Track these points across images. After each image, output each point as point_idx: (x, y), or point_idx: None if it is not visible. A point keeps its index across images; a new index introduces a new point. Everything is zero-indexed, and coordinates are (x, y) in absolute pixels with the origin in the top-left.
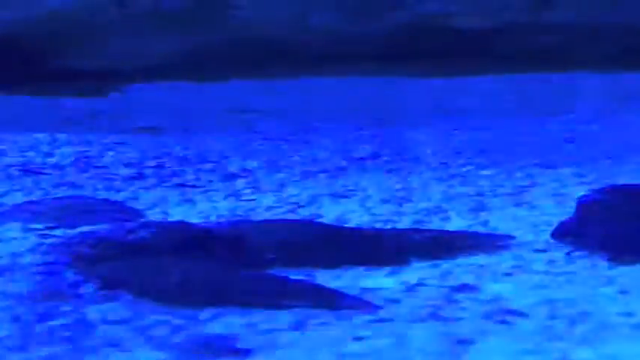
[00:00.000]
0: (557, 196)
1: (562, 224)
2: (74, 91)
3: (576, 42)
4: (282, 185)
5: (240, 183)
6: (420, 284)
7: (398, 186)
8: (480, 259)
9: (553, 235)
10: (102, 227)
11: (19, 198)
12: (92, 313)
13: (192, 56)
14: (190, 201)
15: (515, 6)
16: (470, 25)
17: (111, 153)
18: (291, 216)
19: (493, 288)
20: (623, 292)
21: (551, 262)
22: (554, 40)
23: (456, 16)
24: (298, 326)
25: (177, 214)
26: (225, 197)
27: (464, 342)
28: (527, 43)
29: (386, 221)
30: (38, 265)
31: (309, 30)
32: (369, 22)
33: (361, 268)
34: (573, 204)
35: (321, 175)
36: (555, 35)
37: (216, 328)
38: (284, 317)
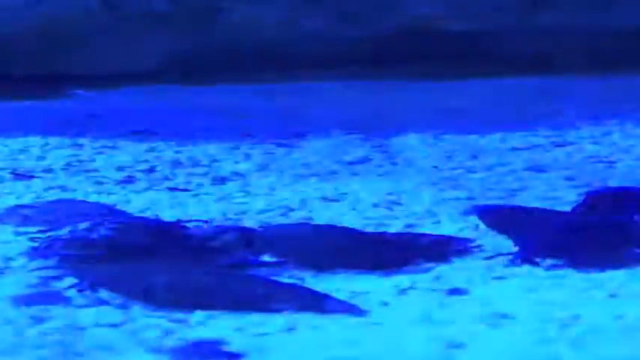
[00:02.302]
0: (547, 200)
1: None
2: (65, 95)
3: (568, 45)
4: (273, 189)
5: (231, 186)
6: (411, 287)
7: (389, 190)
8: (471, 262)
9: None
10: (92, 229)
11: (10, 201)
12: (83, 316)
13: (183, 60)
14: (181, 204)
15: (505, 9)
16: (460, 28)
17: (102, 156)
18: (282, 219)
19: (484, 291)
20: (612, 295)
21: (541, 265)
22: (545, 43)
23: (446, 19)
24: (289, 330)
25: (168, 218)
26: (217, 201)
27: (455, 345)
28: (519, 46)
29: (377, 225)
30: (30, 268)
31: (300, 33)
32: (359, 25)
33: (352, 272)
34: (564, 207)
35: (312, 179)
36: (546, 38)
37: (206, 331)
38: (274, 321)
